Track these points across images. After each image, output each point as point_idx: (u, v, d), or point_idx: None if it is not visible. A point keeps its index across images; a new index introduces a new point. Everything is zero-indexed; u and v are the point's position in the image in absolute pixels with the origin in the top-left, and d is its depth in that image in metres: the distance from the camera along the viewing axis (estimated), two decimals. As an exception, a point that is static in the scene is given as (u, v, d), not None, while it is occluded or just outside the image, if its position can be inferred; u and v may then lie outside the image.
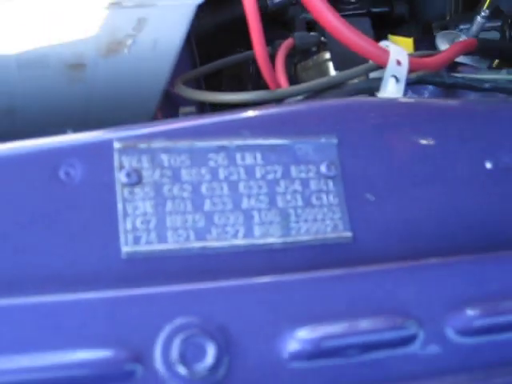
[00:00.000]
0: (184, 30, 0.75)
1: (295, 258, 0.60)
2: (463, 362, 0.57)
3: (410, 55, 0.82)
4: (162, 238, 0.58)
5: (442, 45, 1.14)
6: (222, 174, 0.62)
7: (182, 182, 0.60)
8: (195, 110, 0.76)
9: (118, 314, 0.53)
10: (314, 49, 1.00)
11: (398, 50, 0.80)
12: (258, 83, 1.00)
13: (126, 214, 0.58)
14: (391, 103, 0.75)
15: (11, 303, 0.52)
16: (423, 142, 0.70)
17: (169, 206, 0.59)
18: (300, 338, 0.54)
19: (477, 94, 0.90)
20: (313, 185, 0.64)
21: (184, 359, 0.51)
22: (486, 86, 0.86)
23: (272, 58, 0.92)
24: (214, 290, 0.55)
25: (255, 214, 0.61)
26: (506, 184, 0.69)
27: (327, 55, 0.97)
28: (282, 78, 0.89)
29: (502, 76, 0.88)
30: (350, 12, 1.30)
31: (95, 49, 0.74)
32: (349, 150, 0.65)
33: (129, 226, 0.58)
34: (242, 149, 0.63)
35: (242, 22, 0.85)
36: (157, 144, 0.60)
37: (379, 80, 0.80)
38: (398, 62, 0.79)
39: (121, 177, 0.59)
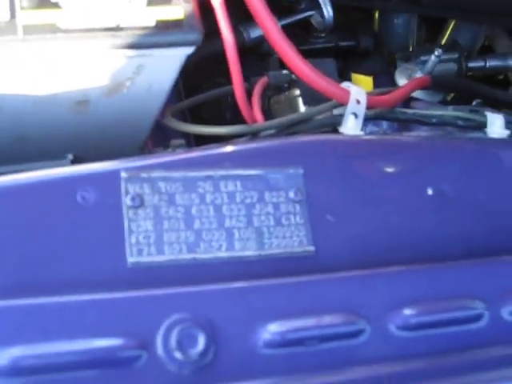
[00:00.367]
0: (175, 73, 0.87)
1: (268, 268, 0.73)
2: (402, 351, 0.71)
3: (369, 94, 0.94)
4: (160, 251, 0.71)
5: (400, 80, 1.27)
6: (208, 198, 0.75)
7: (176, 205, 0.73)
8: (184, 143, 0.89)
9: (126, 311, 0.66)
10: (285, 85, 1.12)
11: (358, 90, 0.92)
12: (236, 111, 1.09)
13: (131, 231, 0.71)
14: (349, 140, 0.89)
15: (41, 302, 0.65)
16: (376, 171, 0.84)
17: (165, 224, 0.72)
18: (270, 330, 0.68)
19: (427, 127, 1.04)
20: (283, 208, 0.77)
21: (180, 346, 0.65)
22: (434, 120, 0.98)
23: (248, 92, 1.04)
24: (203, 292, 0.69)
25: (235, 231, 0.74)
26: (444, 207, 0.83)
27: (297, 92, 1.09)
28: (257, 114, 1.01)
29: (448, 112, 1.00)
30: (320, 45, 1.41)
31: (100, 89, 0.86)
32: (313, 178, 0.79)
33: (133, 240, 0.71)
34: (225, 178, 0.76)
35: (220, 54, 0.98)
36: (156, 174, 0.74)
37: (341, 116, 0.92)
38: (358, 101, 0.91)
39: (127, 200, 0.72)
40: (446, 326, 0.74)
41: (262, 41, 1.29)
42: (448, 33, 1.52)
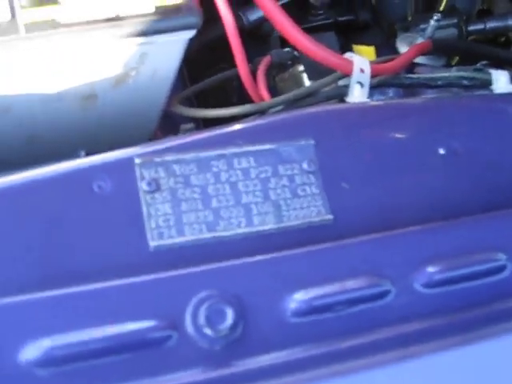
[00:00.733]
0: (178, 59, 0.89)
1: (288, 240, 0.74)
2: (429, 309, 0.72)
3: (372, 63, 0.95)
4: (180, 232, 0.72)
5: (402, 48, 1.27)
6: (223, 176, 0.75)
7: (192, 186, 0.74)
8: (194, 126, 0.90)
9: (153, 293, 0.66)
10: (289, 62, 1.12)
11: (361, 59, 0.93)
12: (242, 95, 1.10)
13: (150, 216, 0.72)
14: (357, 107, 0.89)
15: (68, 292, 0.65)
16: (386, 137, 0.84)
17: (183, 206, 0.73)
18: (297, 299, 0.68)
19: (433, 90, 1.04)
20: (297, 179, 0.77)
21: (209, 323, 0.65)
22: (439, 83, 0.99)
23: (253, 73, 1.05)
24: (226, 268, 0.69)
25: (253, 206, 0.75)
26: (456, 166, 0.84)
27: (301, 67, 1.10)
28: (264, 92, 1.02)
29: (452, 73, 1.01)
30: (319, 23, 1.41)
31: (106, 82, 0.87)
32: (324, 148, 0.79)
33: (153, 224, 0.71)
34: (238, 155, 0.77)
35: (221, 40, 0.99)
36: (169, 157, 0.74)
37: (347, 87, 0.93)
38: (362, 70, 0.92)
39: (143, 186, 0.72)
40: (470, 280, 0.74)
41: (261, 22, 1.29)
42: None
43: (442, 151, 0.84)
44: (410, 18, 1.46)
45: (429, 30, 1.25)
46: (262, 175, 0.77)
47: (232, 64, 1.00)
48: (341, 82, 0.96)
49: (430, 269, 0.73)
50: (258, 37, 1.31)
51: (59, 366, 0.63)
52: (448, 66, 1.24)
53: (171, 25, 0.82)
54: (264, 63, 1.09)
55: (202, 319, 0.66)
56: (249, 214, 0.75)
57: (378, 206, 0.79)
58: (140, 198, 0.72)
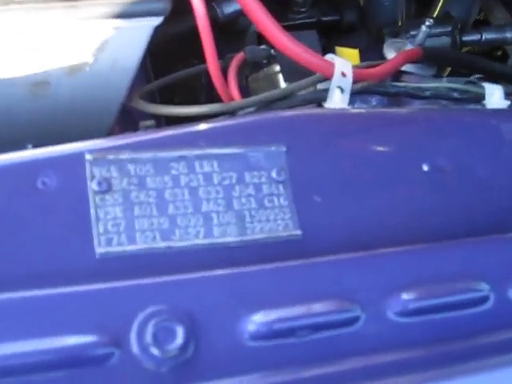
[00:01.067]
0: (142, 48, 0.88)
1: (251, 254, 0.73)
2: (401, 339, 0.71)
3: (355, 67, 0.94)
4: (131, 240, 0.71)
5: (389, 54, 1.26)
6: (183, 180, 0.74)
7: (147, 188, 0.73)
8: (154, 123, 0.89)
9: (95, 304, 0.65)
10: (264, 61, 1.11)
11: (343, 62, 0.92)
12: (211, 93, 1.09)
13: (98, 219, 0.71)
14: (335, 113, 0.89)
15: (4, 297, 0.64)
16: (366, 148, 0.84)
17: (136, 210, 0.72)
18: (256, 321, 0.67)
19: (420, 101, 1.04)
20: (265, 189, 0.77)
21: (156, 341, 0.64)
22: (427, 93, 0.99)
23: (224, 71, 1.03)
24: (180, 282, 0.68)
25: (214, 216, 0.74)
26: (441, 184, 0.83)
27: (277, 67, 1.09)
28: (234, 91, 1.01)
29: (442, 84, 1.01)
30: (300, 21, 1.40)
31: (60, 68, 0.86)
32: (297, 156, 0.79)
33: (101, 229, 0.70)
34: (201, 158, 0.76)
35: (193, 33, 0.98)
36: (124, 155, 0.73)
37: (326, 91, 0.92)
38: (343, 74, 0.91)
39: (92, 185, 0.71)
40: (448, 310, 0.73)
41: (237, 16, 1.28)
42: (440, 5, 1.51)
43: (425, 168, 0.84)
44: (400, 23, 1.48)
45: (419, 37, 1.25)
46: (226, 182, 0.76)
47: (203, 60, 0.99)
48: (320, 86, 0.96)
49: (405, 296, 0.72)
50: (233, 32, 1.31)
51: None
52: (438, 76, 1.24)
53: (136, 9, 0.82)
54: (236, 60, 1.09)
55: (148, 337, 0.65)
56: (209, 223, 0.74)
57: (352, 223, 0.79)
58: (88, 199, 0.71)
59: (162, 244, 0.72)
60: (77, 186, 0.71)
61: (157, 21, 0.83)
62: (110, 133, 1.02)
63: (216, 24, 1.18)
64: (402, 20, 1.49)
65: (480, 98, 1.00)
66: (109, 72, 0.90)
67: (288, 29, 0.94)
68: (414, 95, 1.00)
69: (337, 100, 0.92)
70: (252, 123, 0.82)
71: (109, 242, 0.70)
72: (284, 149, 0.79)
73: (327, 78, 0.93)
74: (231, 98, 1.00)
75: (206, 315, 0.67)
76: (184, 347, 0.65)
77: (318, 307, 0.70)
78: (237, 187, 0.76)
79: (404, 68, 1.13)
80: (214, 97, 1.04)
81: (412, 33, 1.33)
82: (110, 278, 0.68)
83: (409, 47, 1.24)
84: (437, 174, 0.84)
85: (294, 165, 0.79)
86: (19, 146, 0.91)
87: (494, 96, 0.99)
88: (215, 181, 0.76)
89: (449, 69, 1.37)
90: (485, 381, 0.69)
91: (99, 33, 0.83)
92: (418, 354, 0.71)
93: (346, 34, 1.47)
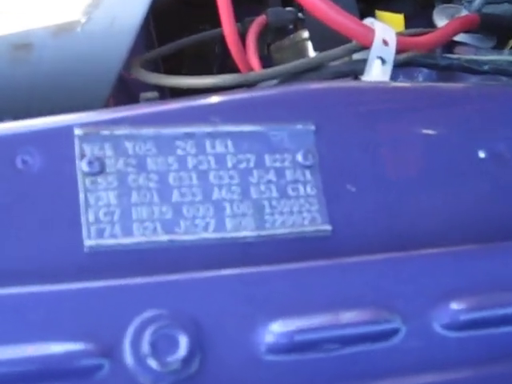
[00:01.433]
0: (145, 5, 0.87)
1: (270, 252, 0.73)
2: (450, 357, 0.71)
3: (399, 34, 0.94)
4: (127, 231, 0.70)
5: (440, 21, 1.25)
6: (190, 162, 0.74)
7: (147, 171, 0.73)
8: (158, 95, 0.88)
9: (83, 307, 0.65)
10: (290, 26, 1.12)
11: (385, 28, 0.92)
12: (225, 65, 1.12)
13: (88, 206, 0.70)
14: (376, 88, 0.88)
15: None
16: (409, 129, 0.83)
17: (134, 196, 0.72)
18: (275, 330, 0.67)
19: (476, 77, 1.03)
20: (288, 175, 0.76)
21: (155, 352, 0.64)
22: (485, 68, 0.98)
23: (242, 37, 1.04)
24: (184, 282, 0.68)
25: (227, 205, 0.74)
26: (499, 175, 0.83)
27: (305, 34, 1.09)
28: (254, 59, 1.01)
29: (504, 57, 1.01)
30: None
31: (45, 28, 0.86)
32: (328, 137, 0.78)
33: (91, 217, 0.70)
34: (212, 136, 0.75)
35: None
36: (120, 131, 0.73)
37: (364, 62, 0.92)
38: (385, 42, 0.91)
39: (82, 166, 0.71)
40: (508, 323, 0.73)
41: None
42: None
43: (482, 154, 0.84)
44: (453, -13, 1.47)
45: (476, 2, 1.24)
46: (242, 165, 0.76)
47: (216, 25, 0.99)
48: (356, 56, 0.96)
49: (455, 305, 0.72)
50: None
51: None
52: (498, 49, 1.23)
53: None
54: (257, 25, 1.09)
55: (145, 346, 0.64)
56: (220, 214, 0.74)
57: (391, 217, 0.78)
58: (77, 181, 0.71)
59: (164, 237, 0.72)
60: (63, 165, 0.71)
61: (163, -29, 0.83)
62: (104, 106, 1.01)
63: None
64: (456, -16, 1.49)
65: (552, 74, 0.99)
66: (104, 34, 0.89)
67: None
68: (469, 69, 0.99)
69: (376, 73, 0.92)
70: (275, 96, 0.82)
71: (100, 234, 0.70)
72: (312, 127, 0.79)
73: (365, 47, 0.93)
74: (250, 69, 1.00)
75: (215, 322, 0.67)
76: (187, 360, 0.65)
77: (348, 316, 0.70)
78: (255, 172, 0.76)
79: (457, 38, 1.13)
80: (228, 69, 1.04)
81: (468, -1, 1.34)
82: (101, 276, 0.68)
83: (463, 14, 1.24)
84: (495, 163, 0.84)
85: (323, 147, 0.78)
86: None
87: None
88: (229, 164, 0.76)
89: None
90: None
91: (93, -15, 0.83)
92: (468, 375, 0.71)
93: (388, 1, 1.46)
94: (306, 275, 0.71)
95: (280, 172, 0.77)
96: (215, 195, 0.74)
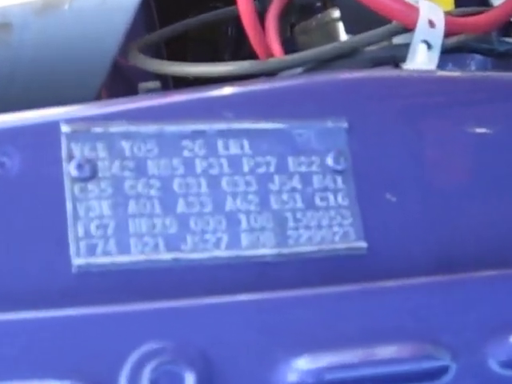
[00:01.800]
0: None
1: (293, 274, 0.73)
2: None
3: (448, 14, 0.94)
4: (123, 248, 0.70)
5: None
6: (199, 166, 0.74)
7: (148, 176, 0.73)
8: (159, 85, 0.89)
9: (70, 338, 0.65)
10: (318, 4, 1.13)
11: (431, 6, 0.92)
12: (239, 50, 1.13)
13: (77, 217, 0.70)
14: (420, 78, 0.88)
15: None
16: (462, 128, 0.84)
17: (131, 206, 0.72)
18: (300, 367, 0.67)
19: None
20: (316, 181, 0.76)
21: (156, 392, 0.65)
22: None
23: (261, 16, 1.04)
24: (190, 309, 0.68)
25: (242, 217, 0.74)
26: None
27: (336, 13, 1.08)
28: (275, 44, 1.01)
29: None
30: None
31: (27, 5, 0.87)
32: (363, 136, 0.78)
33: (81, 232, 0.70)
34: (225, 135, 0.75)
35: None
36: (116, 128, 0.73)
37: (406, 46, 0.92)
38: (431, 23, 0.91)
39: (70, 169, 0.71)
40: None
41: None
42: None
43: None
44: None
45: (542, -24, 1.24)
46: (261, 170, 0.76)
47: (229, 3, 0.99)
48: (396, 40, 0.96)
49: (515, 339, 0.72)
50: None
51: None
52: None
53: None
54: (279, 2, 1.09)
55: (145, 385, 0.64)
56: (234, 228, 0.74)
57: (438, 233, 0.78)
58: (64, 188, 0.71)
59: (167, 255, 0.72)
60: (47, 169, 0.71)
61: None
62: (96, 99, 1.02)
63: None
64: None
65: None
66: (96, 13, 0.90)
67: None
68: (531, 56, 1.00)
69: (421, 60, 0.92)
70: (301, 88, 0.82)
71: (91, 251, 0.70)
72: (345, 125, 0.79)
73: (408, 29, 0.93)
74: (270, 54, 1.00)
75: (227, 357, 0.67)
76: (195, 402, 0.65)
77: (387, 351, 0.70)
78: (276, 178, 0.76)
79: (516, 19, 1.13)
80: (243, 54, 1.04)
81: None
82: (92, 302, 0.68)
83: (526, -11, 1.24)
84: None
85: (358, 148, 0.78)
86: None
87: None
88: (245, 168, 0.76)
89: None
90: None
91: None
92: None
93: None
94: (337, 302, 0.71)
95: (306, 178, 0.77)
96: (228, 205, 0.74)
